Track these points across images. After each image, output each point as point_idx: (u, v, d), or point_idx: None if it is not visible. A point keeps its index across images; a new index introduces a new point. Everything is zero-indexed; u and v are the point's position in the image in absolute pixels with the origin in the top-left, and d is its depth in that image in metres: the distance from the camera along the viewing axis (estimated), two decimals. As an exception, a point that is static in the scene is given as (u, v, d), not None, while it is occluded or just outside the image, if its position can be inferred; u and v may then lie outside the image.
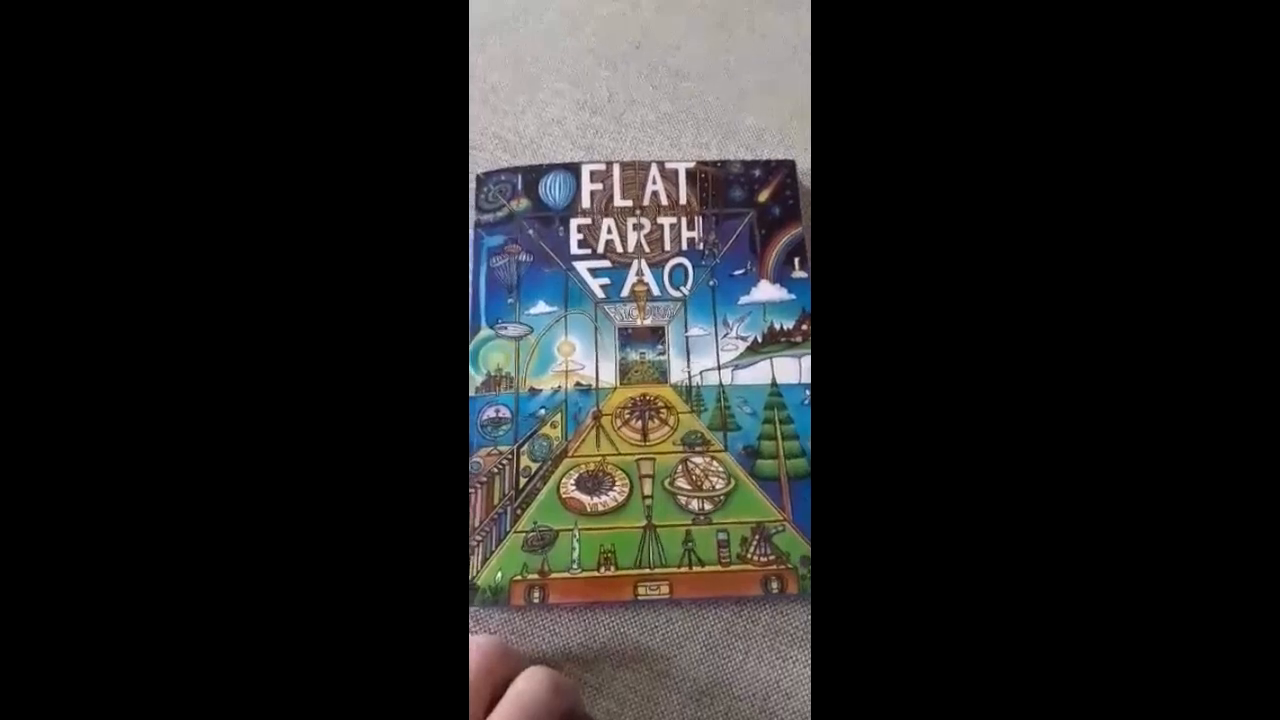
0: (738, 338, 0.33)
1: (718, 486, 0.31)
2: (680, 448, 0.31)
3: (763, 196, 0.36)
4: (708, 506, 0.30)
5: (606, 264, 0.35)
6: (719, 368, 0.33)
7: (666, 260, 0.35)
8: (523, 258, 0.35)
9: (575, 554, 0.29)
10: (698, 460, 0.31)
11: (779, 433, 0.32)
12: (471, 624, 0.30)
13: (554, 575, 0.29)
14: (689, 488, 0.31)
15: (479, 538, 0.30)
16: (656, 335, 0.34)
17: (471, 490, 0.30)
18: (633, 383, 0.33)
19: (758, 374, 0.33)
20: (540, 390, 0.32)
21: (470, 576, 0.29)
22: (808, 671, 0.29)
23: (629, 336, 0.34)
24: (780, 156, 0.37)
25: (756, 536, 0.30)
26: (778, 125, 0.39)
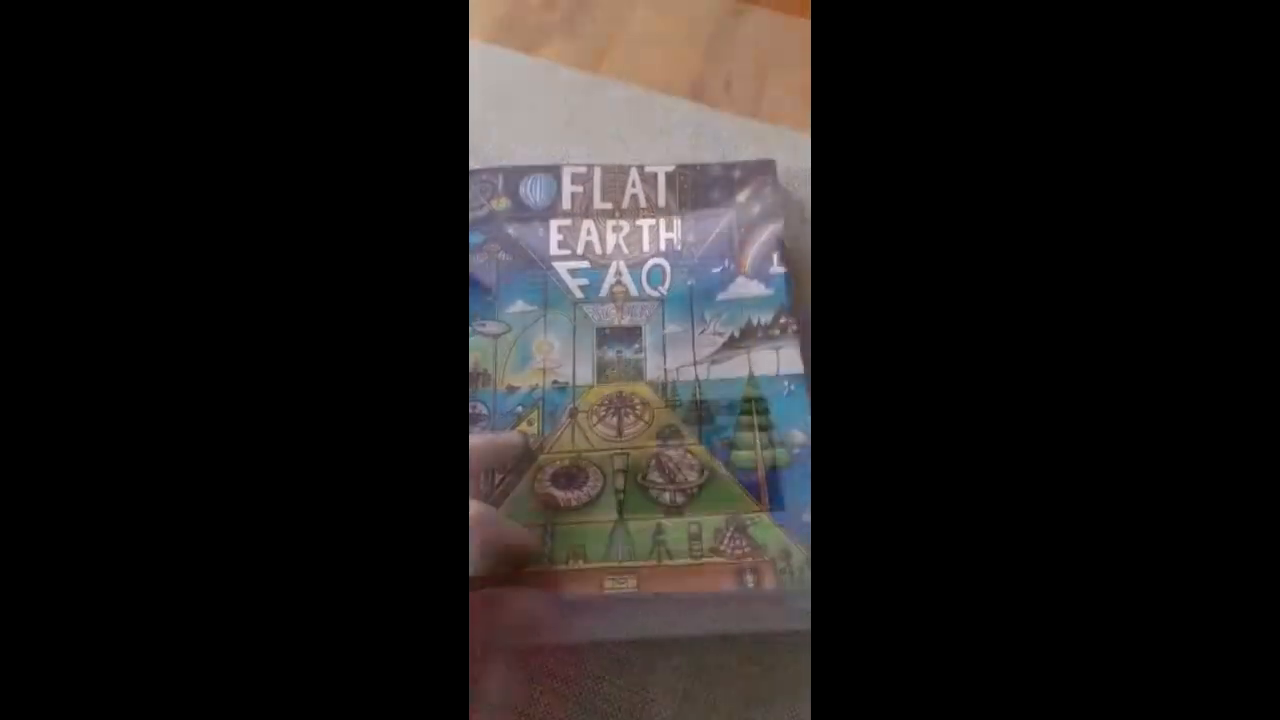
0: (714, 334, 0.33)
1: (691, 479, 0.30)
2: (655, 442, 0.31)
3: (742, 196, 0.36)
4: (680, 499, 0.30)
5: (586, 265, 0.35)
6: (695, 363, 0.33)
7: (645, 261, 0.35)
8: (502, 256, 0.35)
9: (548, 549, 0.29)
10: (672, 454, 0.31)
11: (756, 424, 0.31)
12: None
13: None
14: (662, 481, 0.30)
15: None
16: (634, 334, 0.33)
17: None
18: (610, 380, 0.33)
19: (735, 368, 0.32)
20: (518, 388, 0.32)
21: None
22: (791, 681, 0.28)
23: (607, 335, 0.33)
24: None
25: (731, 529, 0.29)
26: (759, 136, 0.39)
